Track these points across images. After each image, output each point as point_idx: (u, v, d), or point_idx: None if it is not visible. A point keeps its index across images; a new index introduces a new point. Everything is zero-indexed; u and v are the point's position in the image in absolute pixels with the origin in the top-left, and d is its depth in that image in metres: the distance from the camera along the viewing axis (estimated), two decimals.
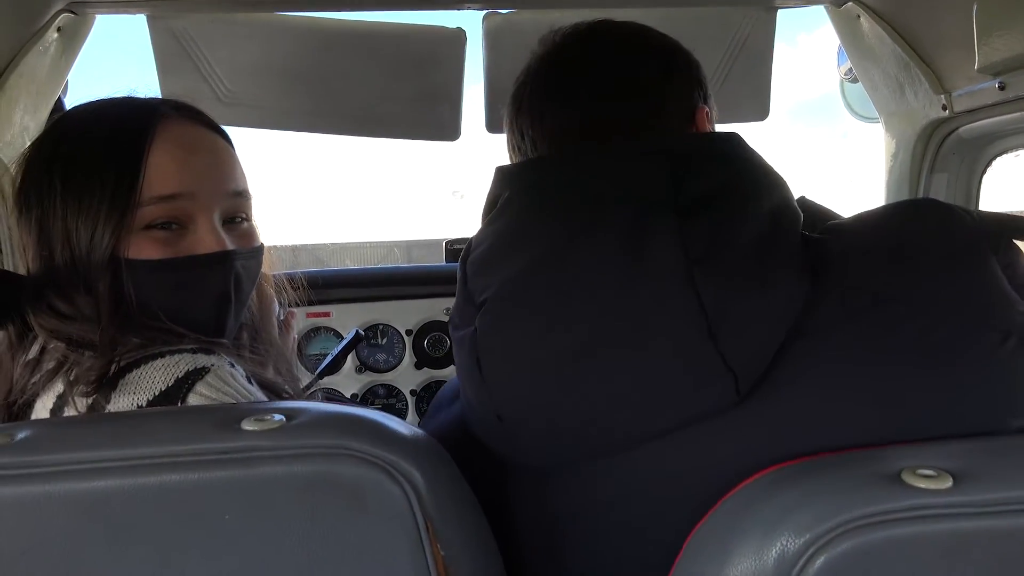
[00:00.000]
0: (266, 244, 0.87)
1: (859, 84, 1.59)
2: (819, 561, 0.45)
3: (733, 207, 0.61)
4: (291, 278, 1.02)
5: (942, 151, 1.48)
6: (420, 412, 1.68)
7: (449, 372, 1.69)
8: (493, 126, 1.43)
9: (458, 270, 0.69)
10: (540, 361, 0.60)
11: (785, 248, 0.61)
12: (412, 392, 1.67)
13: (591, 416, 0.60)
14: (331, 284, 1.59)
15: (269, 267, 0.93)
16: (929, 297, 0.59)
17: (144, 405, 0.67)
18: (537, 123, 0.75)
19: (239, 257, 0.80)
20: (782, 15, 1.44)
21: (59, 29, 1.28)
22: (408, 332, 1.65)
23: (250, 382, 0.74)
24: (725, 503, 0.54)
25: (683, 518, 0.56)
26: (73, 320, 0.72)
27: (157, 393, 0.67)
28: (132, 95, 0.83)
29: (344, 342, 1.29)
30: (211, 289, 0.78)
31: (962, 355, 0.58)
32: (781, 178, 0.66)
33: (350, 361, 1.64)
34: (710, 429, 0.59)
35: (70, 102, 1.39)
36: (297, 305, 1.02)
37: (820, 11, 1.49)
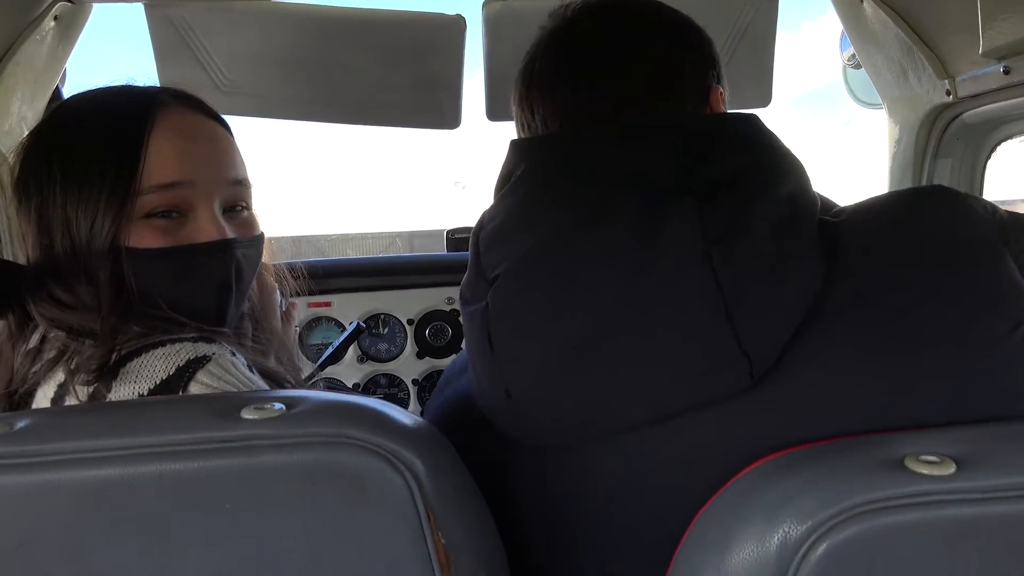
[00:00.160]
0: (267, 235, 0.87)
1: (862, 70, 1.57)
2: (821, 548, 0.45)
3: (753, 190, 0.60)
4: (292, 268, 1.01)
5: (946, 136, 1.47)
6: (422, 401, 1.68)
7: (451, 361, 1.68)
8: (494, 114, 1.42)
9: (470, 244, 0.68)
10: (549, 343, 0.60)
11: (803, 233, 0.60)
12: (414, 381, 1.67)
13: (601, 398, 0.60)
14: (332, 274, 1.59)
15: (270, 257, 0.93)
16: (940, 284, 0.59)
17: (145, 394, 0.67)
18: (548, 100, 0.73)
19: (240, 245, 0.79)
20: (784, 0, 1.43)
21: (56, 18, 1.27)
22: (410, 321, 1.65)
23: (251, 371, 0.74)
24: (727, 490, 0.54)
25: (689, 502, 0.56)
26: (74, 309, 0.72)
27: (158, 382, 0.67)
28: (130, 83, 0.83)
29: (345, 334, 1.29)
30: (212, 278, 0.77)
31: (971, 343, 0.57)
32: (799, 162, 0.65)
33: (352, 351, 1.63)
34: (720, 413, 0.59)
35: (68, 91, 1.38)
36: (298, 295, 1.02)
37: None
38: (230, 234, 0.78)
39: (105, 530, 0.50)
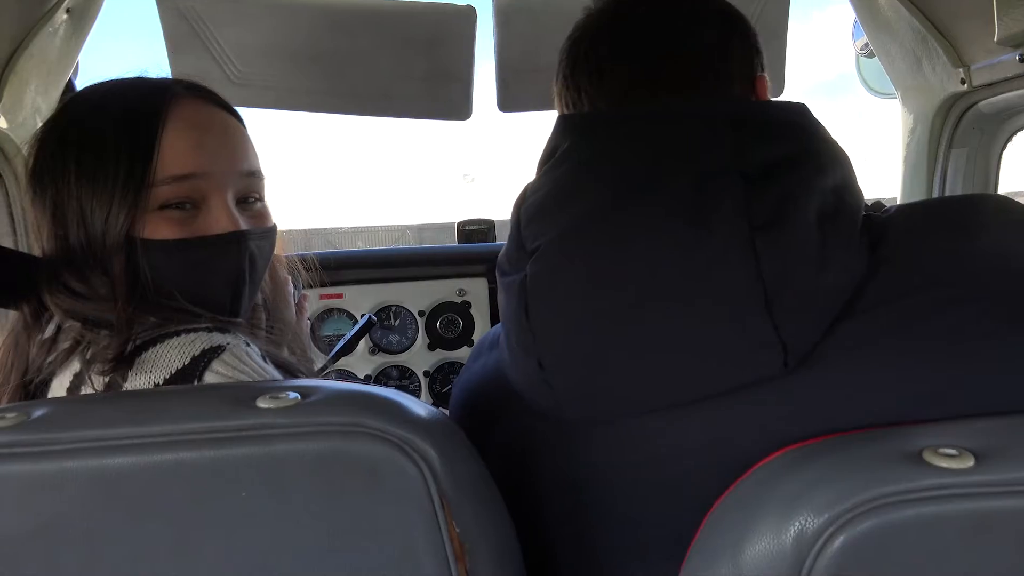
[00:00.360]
0: (279, 228, 0.87)
1: (875, 59, 1.56)
2: (838, 541, 0.45)
3: (800, 179, 0.60)
4: (304, 259, 1.02)
5: (961, 126, 1.46)
6: (433, 393, 1.68)
7: (462, 353, 1.69)
8: (505, 105, 1.42)
9: (511, 217, 0.68)
10: (587, 313, 0.60)
11: (847, 225, 0.60)
12: (425, 373, 1.67)
13: (633, 375, 0.60)
14: (344, 265, 1.59)
15: (282, 250, 0.93)
16: (983, 284, 0.59)
17: (161, 383, 0.67)
18: (596, 79, 0.73)
19: (253, 237, 0.80)
20: None
21: (68, 10, 1.27)
22: (421, 313, 1.65)
23: (266, 361, 0.74)
24: (744, 480, 0.53)
25: (713, 487, 0.56)
26: (88, 300, 0.73)
27: (174, 371, 0.67)
28: (143, 75, 0.83)
29: (356, 327, 1.30)
30: (226, 269, 0.78)
31: (1014, 342, 0.57)
32: (846, 154, 0.65)
33: (363, 343, 1.64)
34: (751, 398, 0.59)
35: (81, 83, 1.39)
36: (310, 287, 1.02)
37: None
38: (243, 225, 0.78)
39: (121, 518, 0.50)
